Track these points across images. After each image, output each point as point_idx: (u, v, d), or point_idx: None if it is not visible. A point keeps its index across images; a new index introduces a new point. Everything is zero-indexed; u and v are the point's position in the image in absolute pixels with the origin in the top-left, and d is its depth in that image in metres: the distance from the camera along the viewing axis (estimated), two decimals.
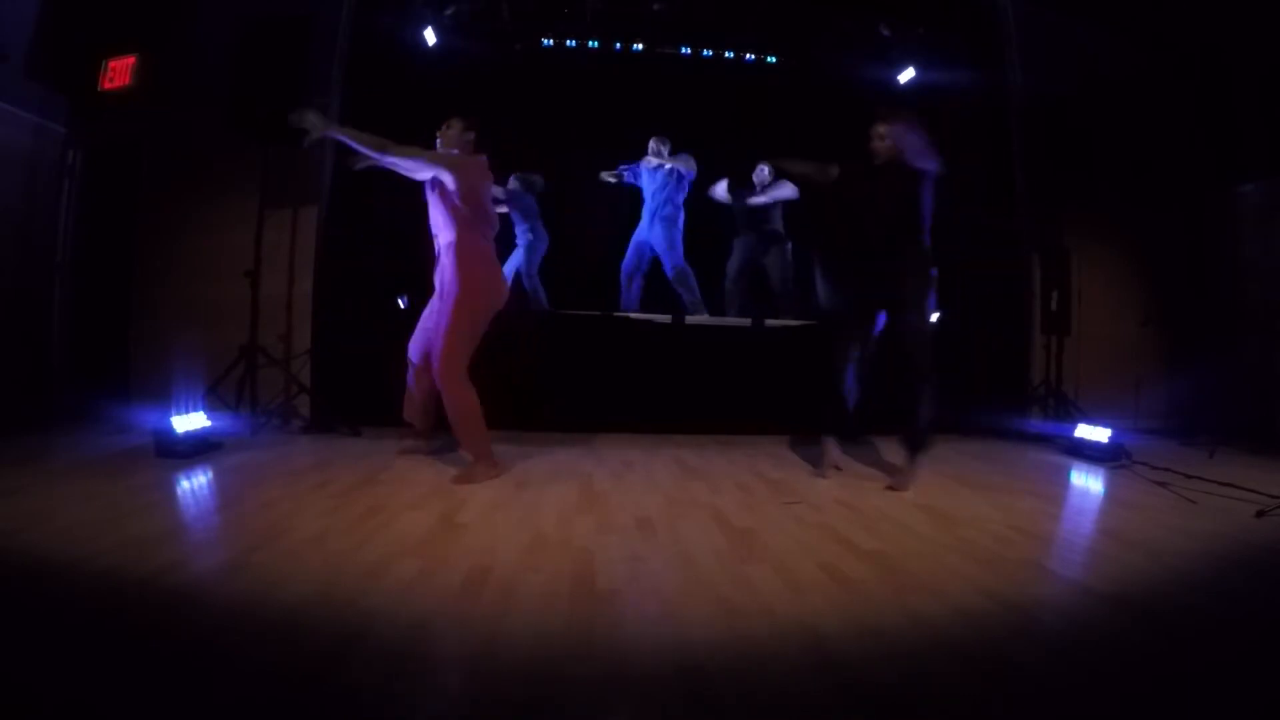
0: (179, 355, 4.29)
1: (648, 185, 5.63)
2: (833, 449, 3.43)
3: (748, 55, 6.10)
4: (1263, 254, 5.11)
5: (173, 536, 2.13)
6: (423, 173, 3.04)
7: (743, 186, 5.70)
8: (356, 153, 3.08)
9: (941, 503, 2.89)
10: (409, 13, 5.13)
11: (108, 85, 4.41)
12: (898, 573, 2.00)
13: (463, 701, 1.27)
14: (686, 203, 5.64)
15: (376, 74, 4.90)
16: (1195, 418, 4.90)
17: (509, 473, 3.17)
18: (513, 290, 5.67)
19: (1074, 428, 4.18)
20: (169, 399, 3.89)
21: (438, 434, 3.47)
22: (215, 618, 1.55)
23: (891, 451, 3.73)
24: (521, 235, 5.85)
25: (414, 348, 3.34)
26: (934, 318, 5.39)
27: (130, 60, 4.43)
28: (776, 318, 5.20)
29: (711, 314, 5.49)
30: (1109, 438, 3.92)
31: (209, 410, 3.63)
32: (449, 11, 5.41)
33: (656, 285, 5.77)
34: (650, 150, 5.60)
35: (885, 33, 5.66)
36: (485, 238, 3.16)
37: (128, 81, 4.43)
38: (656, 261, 5.68)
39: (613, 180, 5.85)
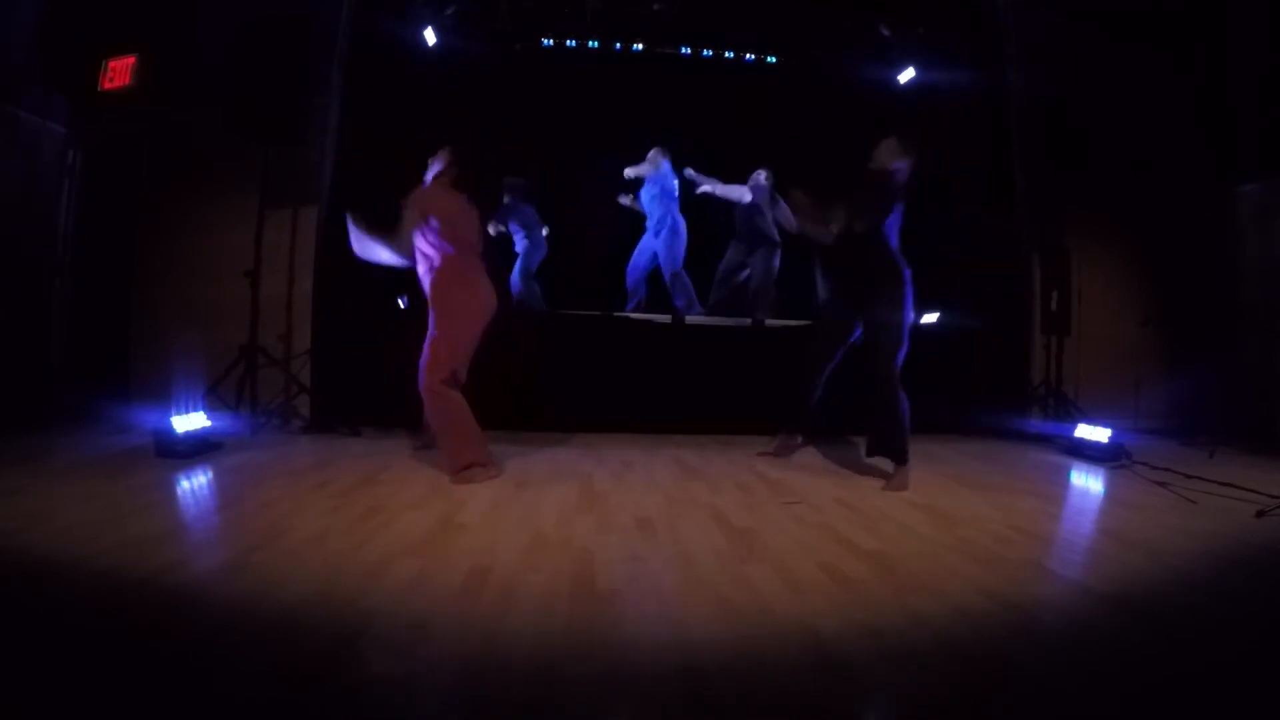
0: (179, 355, 4.30)
1: (645, 201, 5.66)
2: (785, 436, 3.74)
3: (748, 55, 6.11)
4: (1263, 254, 5.11)
5: (173, 536, 2.13)
6: (418, 235, 3.10)
7: (716, 178, 5.67)
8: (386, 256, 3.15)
9: (941, 503, 2.89)
10: (409, 13, 5.13)
11: (108, 85, 4.42)
12: (898, 573, 2.00)
13: (463, 701, 1.27)
14: (691, 206, 5.64)
15: (376, 74, 4.90)
16: (1195, 418, 4.90)
17: (509, 473, 3.17)
18: (509, 293, 5.71)
19: (1074, 428, 4.18)
20: (169, 399, 3.90)
21: None
22: (215, 618, 1.55)
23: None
24: (520, 243, 5.86)
25: (421, 360, 3.34)
26: (934, 317, 5.44)
27: (130, 60, 4.43)
28: (748, 317, 5.18)
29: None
30: (1109, 438, 3.92)
31: (209, 410, 3.63)
32: (449, 11, 5.42)
33: (657, 286, 5.78)
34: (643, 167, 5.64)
35: (885, 33, 5.66)
36: (467, 261, 3.17)
37: (128, 81, 4.43)
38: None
39: (628, 203, 5.83)
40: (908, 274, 3.23)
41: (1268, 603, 1.91)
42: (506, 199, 5.85)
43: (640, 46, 5.96)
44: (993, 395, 5.01)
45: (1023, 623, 1.69)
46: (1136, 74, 5.28)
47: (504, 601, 1.69)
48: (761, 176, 5.59)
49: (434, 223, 3.05)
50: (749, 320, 5.08)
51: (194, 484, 2.80)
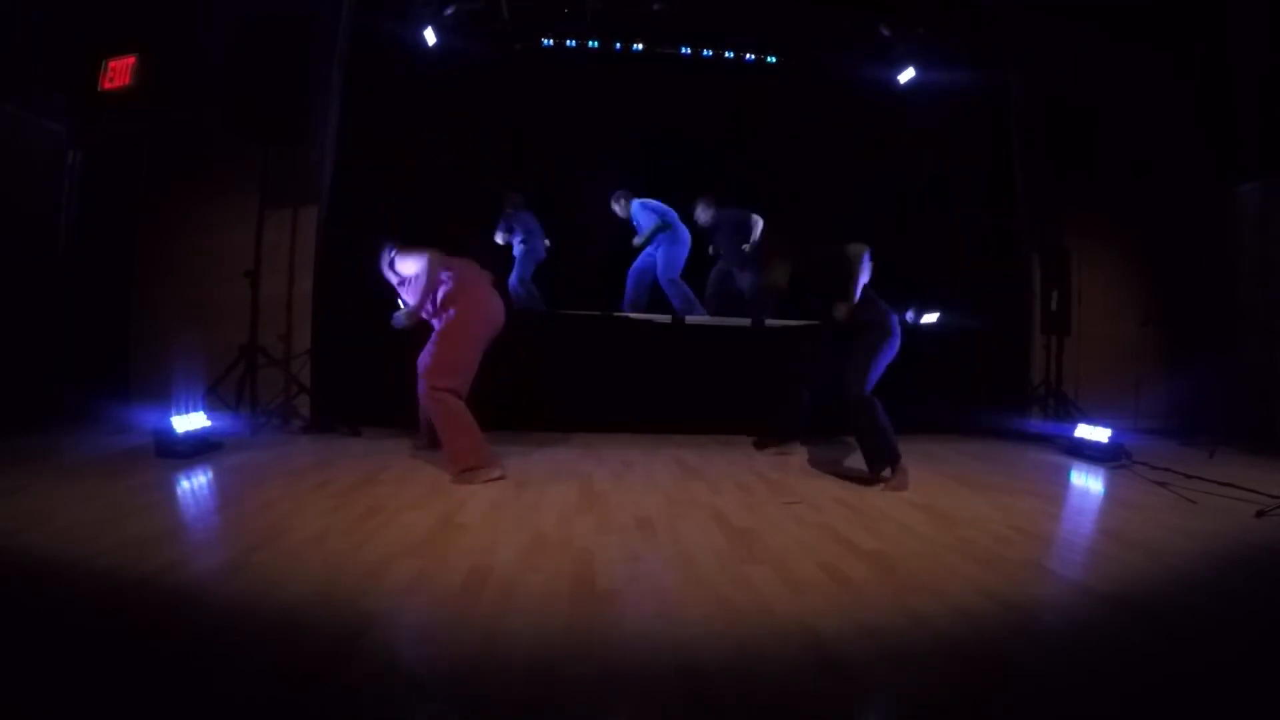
0: (179, 355, 4.30)
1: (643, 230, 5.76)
2: (779, 447, 3.94)
3: (748, 55, 6.11)
4: (1263, 254, 5.11)
5: (173, 536, 2.13)
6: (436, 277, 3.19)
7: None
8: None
9: (941, 503, 2.89)
10: (409, 13, 5.13)
11: (108, 85, 4.42)
12: (898, 573, 2.00)
13: (463, 701, 1.27)
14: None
15: (376, 74, 4.90)
16: (1195, 418, 4.90)
17: (509, 473, 3.16)
18: (508, 296, 5.72)
19: (1074, 428, 4.18)
20: (169, 399, 3.90)
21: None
22: (215, 618, 1.55)
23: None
24: (518, 247, 5.88)
25: (423, 361, 3.36)
26: (934, 317, 5.43)
27: (130, 60, 4.44)
28: (748, 318, 5.19)
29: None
30: (1109, 438, 3.92)
31: (209, 410, 3.63)
32: (449, 11, 5.42)
33: (657, 287, 5.79)
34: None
35: (885, 33, 5.66)
36: (473, 276, 3.23)
37: (128, 81, 4.44)
38: None
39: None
40: (895, 321, 3.39)
41: (1268, 603, 1.91)
42: (509, 209, 5.87)
43: (640, 46, 5.96)
44: (993, 395, 5.01)
45: (1023, 623, 1.69)
46: (1136, 74, 5.28)
47: (504, 601, 1.69)
48: (699, 210, 5.65)
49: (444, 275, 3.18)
50: (749, 320, 5.08)
51: (194, 484, 2.80)
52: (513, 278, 5.89)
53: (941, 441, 4.44)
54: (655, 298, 5.79)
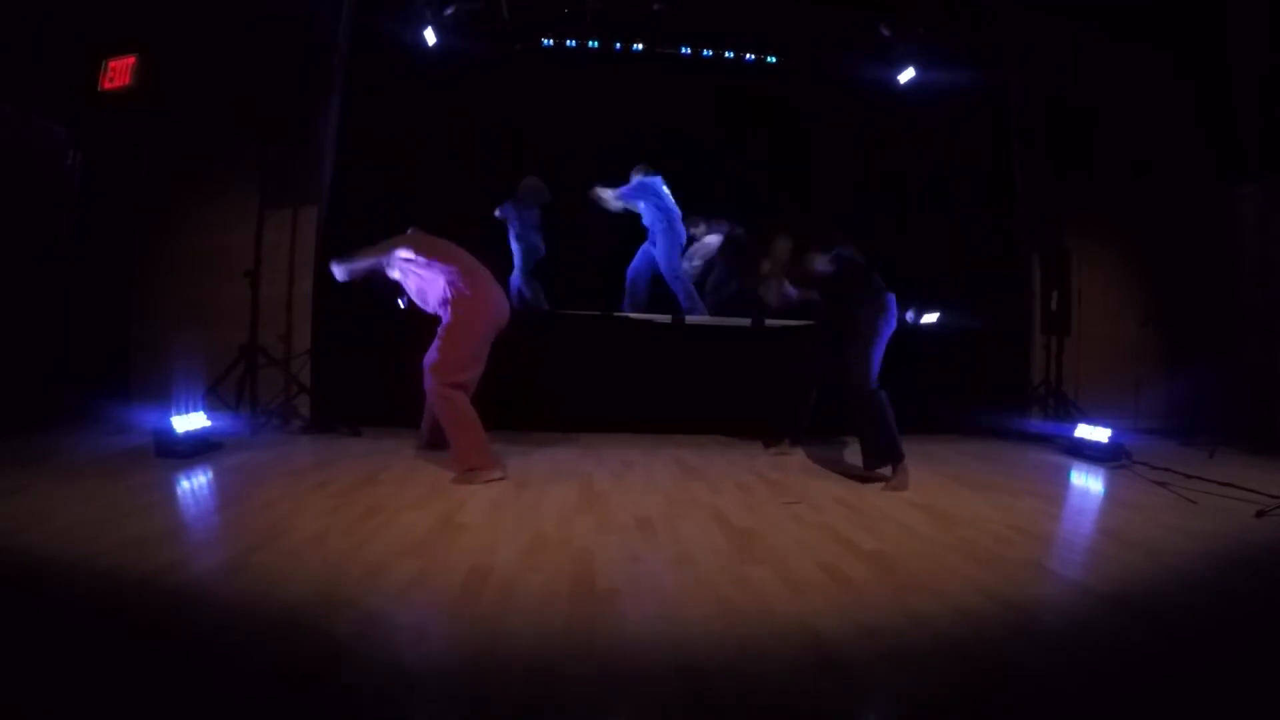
0: (179, 355, 4.30)
1: (645, 218, 5.74)
2: (781, 446, 3.96)
3: (748, 55, 6.10)
4: (1263, 254, 5.11)
5: (173, 536, 2.13)
6: (398, 253, 3.21)
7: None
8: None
9: (941, 503, 2.89)
10: (409, 13, 5.13)
11: (108, 85, 4.42)
12: (898, 573, 2.00)
13: (463, 701, 1.27)
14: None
15: (376, 74, 4.90)
16: (1195, 418, 4.90)
17: (509, 473, 3.16)
18: (509, 295, 5.71)
19: (1074, 428, 4.18)
20: (169, 399, 3.90)
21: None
22: (215, 618, 1.55)
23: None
24: (515, 245, 5.86)
25: (429, 358, 3.36)
26: (934, 317, 5.43)
27: (130, 60, 4.44)
28: (748, 318, 5.20)
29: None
30: (1109, 438, 3.92)
31: (209, 410, 3.63)
32: (449, 11, 5.42)
33: (657, 286, 5.79)
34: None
35: (885, 33, 5.66)
36: (474, 273, 3.22)
37: (128, 81, 4.44)
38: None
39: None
40: (890, 299, 3.33)
41: (1268, 603, 1.91)
42: (518, 195, 5.80)
43: (640, 46, 5.96)
44: (993, 395, 5.01)
45: (1023, 623, 1.69)
46: (1136, 74, 5.28)
47: (504, 601, 1.69)
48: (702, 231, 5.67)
49: (428, 259, 3.16)
50: (749, 320, 5.08)
51: (194, 484, 2.80)
52: (515, 276, 5.87)
53: (941, 441, 4.44)
54: (655, 298, 5.79)
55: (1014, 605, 1.77)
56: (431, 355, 3.12)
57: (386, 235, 3.31)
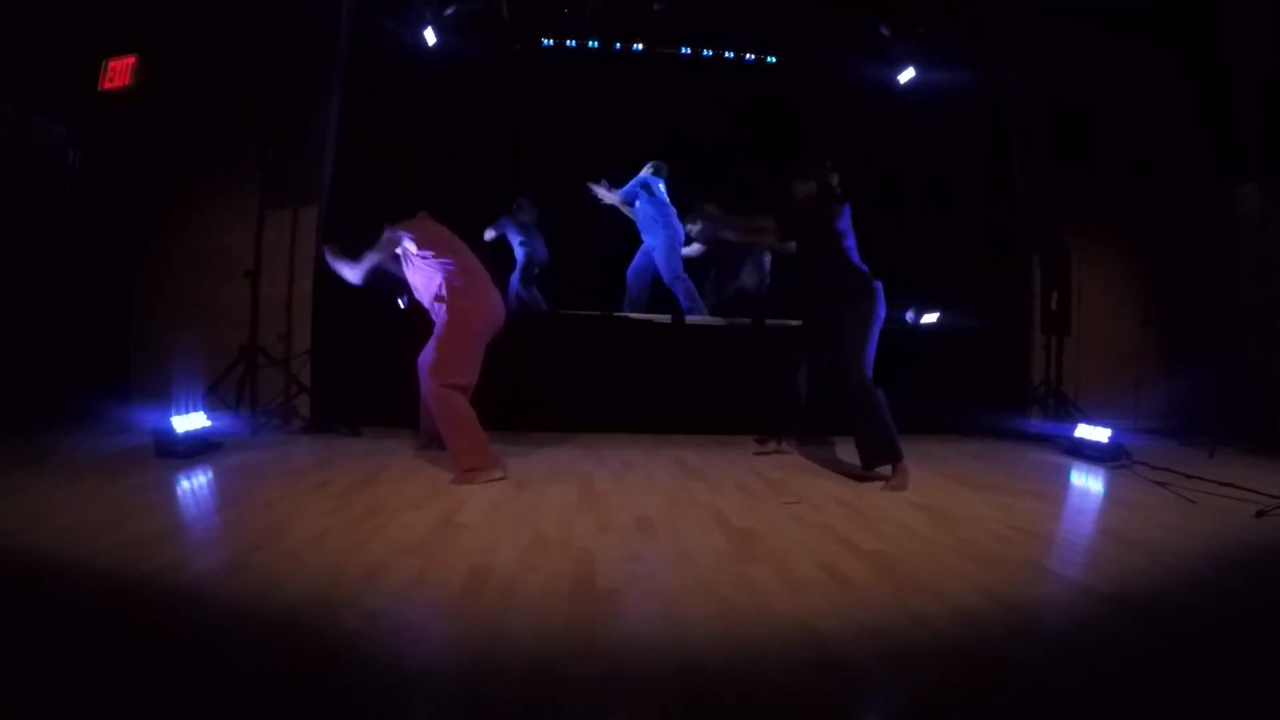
0: (179, 355, 4.30)
1: (639, 216, 5.71)
2: (779, 444, 3.94)
3: (748, 55, 6.11)
4: (1263, 254, 5.11)
5: (173, 536, 2.13)
6: (398, 244, 3.22)
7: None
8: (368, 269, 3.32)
9: (941, 503, 2.89)
10: (409, 13, 5.14)
11: (108, 85, 4.42)
12: (898, 573, 2.00)
13: (463, 701, 1.27)
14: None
15: (376, 74, 4.90)
16: (1195, 418, 4.90)
17: (509, 473, 3.16)
18: (509, 298, 5.71)
19: (1074, 428, 4.18)
20: (169, 399, 3.90)
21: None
22: (215, 618, 1.55)
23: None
24: (518, 250, 5.86)
25: (424, 358, 3.36)
26: (934, 317, 5.42)
27: (130, 60, 4.43)
28: (748, 317, 5.20)
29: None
30: (1109, 438, 3.92)
31: (209, 410, 3.63)
32: (449, 11, 5.42)
33: (657, 286, 5.78)
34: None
35: (885, 33, 5.66)
36: (471, 272, 3.22)
37: (128, 81, 4.43)
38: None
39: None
40: (878, 287, 3.33)
41: (1268, 603, 1.91)
42: (512, 212, 5.82)
43: (640, 46, 5.96)
44: (993, 395, 5.01)
45: (1023, 623, 1.69)
46: (1136, 74, 5.28)
47: (504, 601, 1.69)
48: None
49: (425, 250, 3.15)
50: (749, 320, 5.08)
51: (194, 484, 2.80)
52: (514, 279, 5.87)
53: (941, 441, 4.44)
54: (656, 298, 5.79)
55: (1014, 605, 1.77)
56: (427, 356, 3.11)
57: (364, 250, 3.32)
